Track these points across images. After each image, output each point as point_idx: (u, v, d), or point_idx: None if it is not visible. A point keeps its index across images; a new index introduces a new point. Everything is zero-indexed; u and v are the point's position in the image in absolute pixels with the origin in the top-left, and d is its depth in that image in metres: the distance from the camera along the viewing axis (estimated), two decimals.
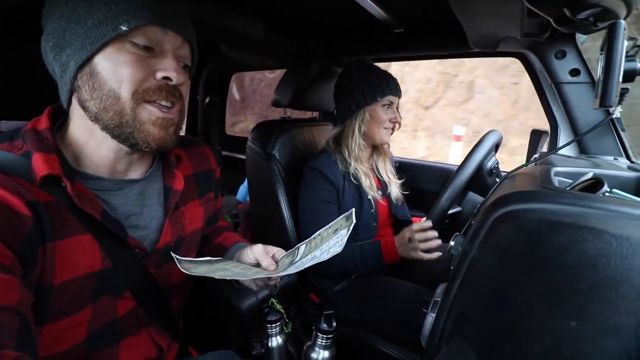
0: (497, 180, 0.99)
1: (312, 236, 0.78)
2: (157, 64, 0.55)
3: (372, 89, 1.14)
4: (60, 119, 0.59)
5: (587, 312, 0.29)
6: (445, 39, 1.30)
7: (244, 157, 1.39)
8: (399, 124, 1.22)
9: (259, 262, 0.72)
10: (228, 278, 0.58)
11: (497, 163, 1.00)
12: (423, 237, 1.01)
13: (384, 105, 1.16)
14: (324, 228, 0.78)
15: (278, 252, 0.75)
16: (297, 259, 0.71)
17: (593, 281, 0.30)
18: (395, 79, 1.20)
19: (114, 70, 0.52)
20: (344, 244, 0.61)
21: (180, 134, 0.78)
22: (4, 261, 0.42)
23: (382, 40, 1.45)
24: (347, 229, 0.66)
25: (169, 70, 0.55)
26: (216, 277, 0.57)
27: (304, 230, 1.16)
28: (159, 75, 0.55)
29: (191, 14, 0.63)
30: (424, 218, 1.04)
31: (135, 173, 0.63)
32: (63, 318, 0.53)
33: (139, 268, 0.61)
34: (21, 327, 0.40)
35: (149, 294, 0.63)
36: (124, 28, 0.51)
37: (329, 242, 0.66)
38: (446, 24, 1.21)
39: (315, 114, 1.69)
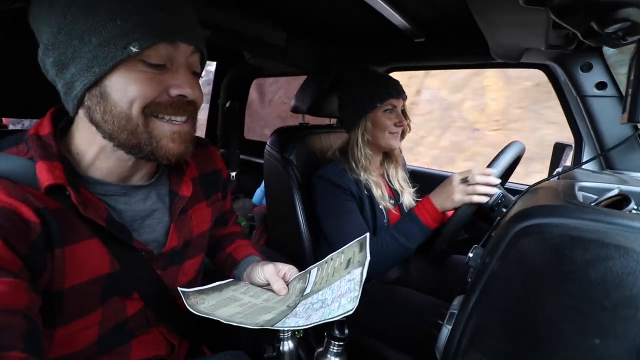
0: (504, 209, 0.91)
1: (324, 259, 0.77)
2: (170, 80, 0.53)
3: (370, 95, 1.11)
4: (63, 119, 0.58)
5: (611, 330, 0.29)
6: (467, 49, 1.30)
7: (261, 161, 1.41)
8: (409, 127, 1.19)
9: (270, 283, 0.72)
10: (234, 324, 0.56)
11: (502, 196, 0.92)
12: (484, 180, 0.89)
13: (386, 110, 1.12)
14: (336, 252, 0.77)
15: (289, 271, 0.74)
16: (307, 289, 0.69)
17: (619, 299, 0.29)
18: (395, 81, 1.15)
19: (125, 90, 0.50)
20: (357, 297, 0.56)
21: None
22: (12, 267, 0.43)
23: (403, 49, 1.45)
24: (361, 268, 0.62)
25: (183, 86, 0.53)
26: (223, 321, 0.56)
27: (332, 236, 1.10)
28: (174, 92, 0.53)
29: (215, 21, 0.63)
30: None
31: (142, 179, 0.63)
32: (75, 320, 0.53)
33: (146, 270, 0.61)
34: (29, 329, 0.41)
35: (156, 295, 0.63)
36: (134, 50, 0.48)
37: (341, 285, 0.62)
38: (468, 33, 1.21)
39: (333, 121, 1.71)
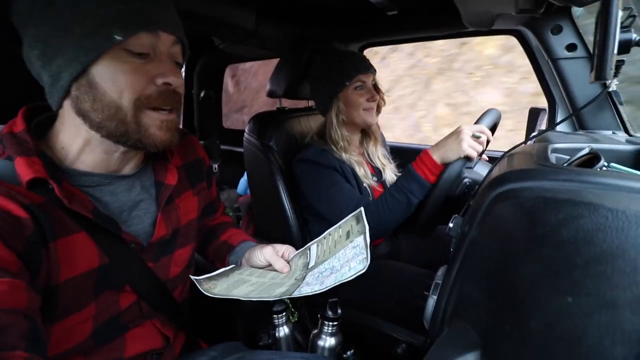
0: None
1: (322, 235, 0.78)
2: (155, 69, 0.55)
3: (337, 75, 1.09)
4: (36, 118, 0.58)
5: (583, 288, 0.29)
6: (440, 19, 1.28)
7: (242, 150, 1.38)
8: (383, 101, 1.18)
9: (271, 264, 0.73)
10: (254, 299, 0.59)
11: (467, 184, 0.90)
12: (479, 129, 0.92)
13: (356, 87, 1.11)
14: (333, 227, 0.78)
15: (287, 250, 0.76)
16: (311, 262, 0.71)
17: (589, 256, 0.30)
18: (362, 56, 1.15)
19: (113, 80, 0.52)
20: (367, 259, 0.58)
21: None
22: (10, 267, 0.43)
23: (376, 24, 1.43)
24: (362, 236, 0.64)
25: (167, 75, 0.55)
26: (242, 298, 0.58)
27: (329, 214, 1.07)
28: (159, 81, 0.55)
29: (180, 7, 0.62)
30: None
31: (127, 169, 0.63)
32: (70, 315, 0.54)
33: (137, 262, 0.61)
34: (30, 329, 0.41)
35: (149, 287, 0.63)
36: (118, 38, 0.50)
37: (346, 252, 0.64)
38: (440, 3, 1.19)
39: (311, 103, 1.68)
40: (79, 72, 0.50)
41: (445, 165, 0.93)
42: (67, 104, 0.54)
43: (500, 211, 0.43)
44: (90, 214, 0.54)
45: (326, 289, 0.58)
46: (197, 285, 0.63)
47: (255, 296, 0.60)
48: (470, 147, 0.89)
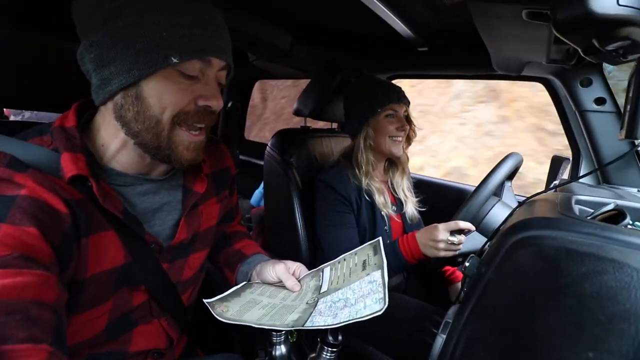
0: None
1: (337, 259, 0.78)
2: (200, 91, 0.56)
3: (371, 101, 1.12)
4: (86, 113, 0.61)
5: (605, 344, 0.29)
6: (469, 61, 1.31)
7: (261, 162, 1.41)
8: (414, 132, 1.19)
9: (282, 281, 0.73)
10: (266, 327, 0.58)
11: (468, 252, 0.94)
12: (455, 240, 0.94)
13: (387, 115, 1.13)
14: (348, 253, 0.77)
15: (298, 268, 0.76)
16: (323, 286, 0.70)
17: (612, 313, 0.30)
18: (397, 87, 1.17)
19: (160, 97, 0.54)
20: (384, 299, 0.56)
21: None
22: (44, 259, 0.44)
23: (406, 58, 1.47)
24: (380, 271, 0.63)
25: (211, 98, 0.57)
26: (254, 325, 0.58)
27: (326, 246, 1.12)
28: (201, 103, 0.56)
29: None
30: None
31: (158, 172, 0.65)
32: (89, 309, 0.55)
33: (154, 263, 0.63)
34: (57, 324, 0.42)
35: (160, 287, 0.65)
36: (175, 60, 0.52)
37: (361, 285, 0.63)
38: (471, 45, 1.22)
39: (334, 125, 1.72)
40: (129, 83, 0.52)
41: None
42: (110, 105, 0.56)
43: (521, 257, 0.43)
44: (121, 213, 0.55)
45: (339, 325, 0.56)
46: (210, 310, 0.63)
47: (267, 322, 0.59)
48: (445, 251, 0.94)
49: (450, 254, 0.95)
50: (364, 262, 0.70)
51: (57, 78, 0.84)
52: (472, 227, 0.94)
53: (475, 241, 0.97)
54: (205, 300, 0.65)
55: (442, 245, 0.94)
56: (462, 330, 0.51)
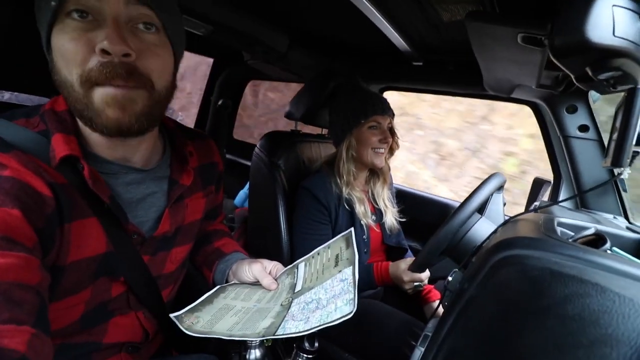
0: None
1: (310, 254, 0.77)
2: (97, 36, 0.46)
3: (355, 111, 1.12)
4: None
5: None
6: (461, 78, 1.34)
7: (247, 163, 1.39)
8: (397, 144, 1.19)
9: (258, 280, 0.73)
10: (237, 339, 0.56)
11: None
12: (419, 284, 1.05)
13: (371, 126, 1.13)
14: (322, 247, 0.78)
15: (274, 267, 0.76)
16: (297, 284, 0.69)
17: (595, 337, 0.30)
18: (382, 98, 1.17)
19: (61, 53, 0.47)
20: (353, 301, 0.56)
21: (188, 127, 0.78)
22: (27, 242, 0.43)
23: (400, 71, 1.49)
24: (351, 267, 0.63)
25: (104, 40, 0.45)
26: (224, 337, 0.56)
27: (298, 249, 1.14)
28: (97, 48, 0.45)
29: (219, 20, 0.64)
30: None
31: (141, 161, 0.62)
32: (67, 297, 0.53)
33: (134, 254, 0.61)
34: (40, 307, 0.42)
35: (140, 280, 0.63)
36: (53, 3, 0.45)
37: (333, 284, 0.63)
38: (465, 63, 1.25)
39: (325, 131, 1.72)
40: (46, 45, 0.48)
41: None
42: None
43: (504, 275, 0.44)
44: (108, 199, 0.54)
45: (310, 331, 0.55)
46: (179, 325, 0.59)
47: (238, 333, 0.57)
48: (412, 290, 1.05)
49: (415, 291, 1.05)
50: (337, 256, 0.70)
51: (38, 61, 0.82)
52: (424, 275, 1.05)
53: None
54: (171, 315, 0.62)
55: (407, 286, 1.03)
56: (442, 344, 0.50)
